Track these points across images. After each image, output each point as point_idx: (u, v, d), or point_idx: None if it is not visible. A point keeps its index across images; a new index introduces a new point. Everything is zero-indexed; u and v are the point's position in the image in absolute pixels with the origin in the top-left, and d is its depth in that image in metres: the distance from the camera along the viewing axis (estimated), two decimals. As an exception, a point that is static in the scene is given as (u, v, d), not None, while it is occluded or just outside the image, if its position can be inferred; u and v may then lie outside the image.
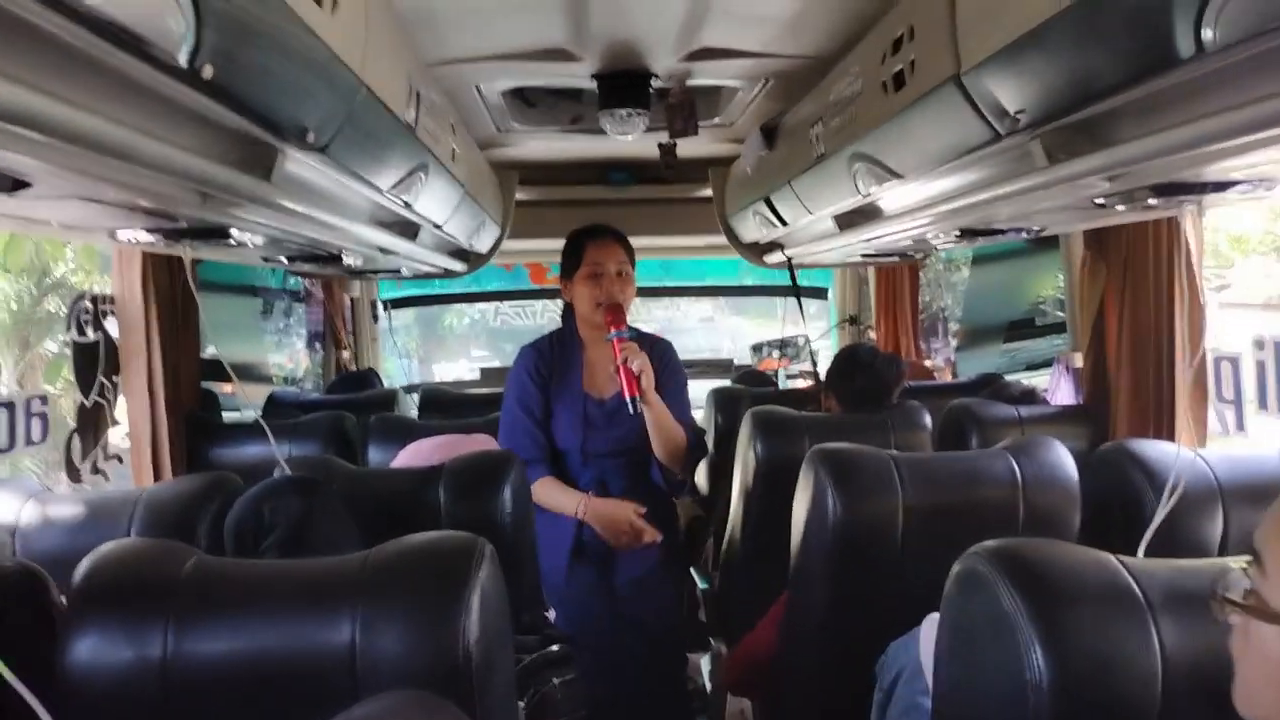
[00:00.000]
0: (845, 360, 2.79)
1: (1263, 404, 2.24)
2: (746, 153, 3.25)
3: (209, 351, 2.98)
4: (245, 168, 1.44)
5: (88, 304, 2.56)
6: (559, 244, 2.71)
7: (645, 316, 8.70)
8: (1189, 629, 1.05)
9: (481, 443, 2.30)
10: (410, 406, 4.14)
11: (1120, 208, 1.76)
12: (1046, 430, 2.47)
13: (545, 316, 7.50)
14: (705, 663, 3.30)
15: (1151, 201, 1.64)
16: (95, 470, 2.53)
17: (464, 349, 10.16)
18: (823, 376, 2.85)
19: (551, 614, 2.17)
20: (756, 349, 5.72)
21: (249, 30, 1.12)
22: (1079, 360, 2.95)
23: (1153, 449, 1.95)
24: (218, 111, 1.25)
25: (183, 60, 1.02)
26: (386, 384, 4.95)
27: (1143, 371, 2.58)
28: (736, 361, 5.72)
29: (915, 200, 2.19)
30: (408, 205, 2.32)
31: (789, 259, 3.89)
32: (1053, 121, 1.39)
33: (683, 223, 4.48)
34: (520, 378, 2.62)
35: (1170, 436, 2.48)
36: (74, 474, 2.48)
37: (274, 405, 3.65)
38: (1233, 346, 2.33)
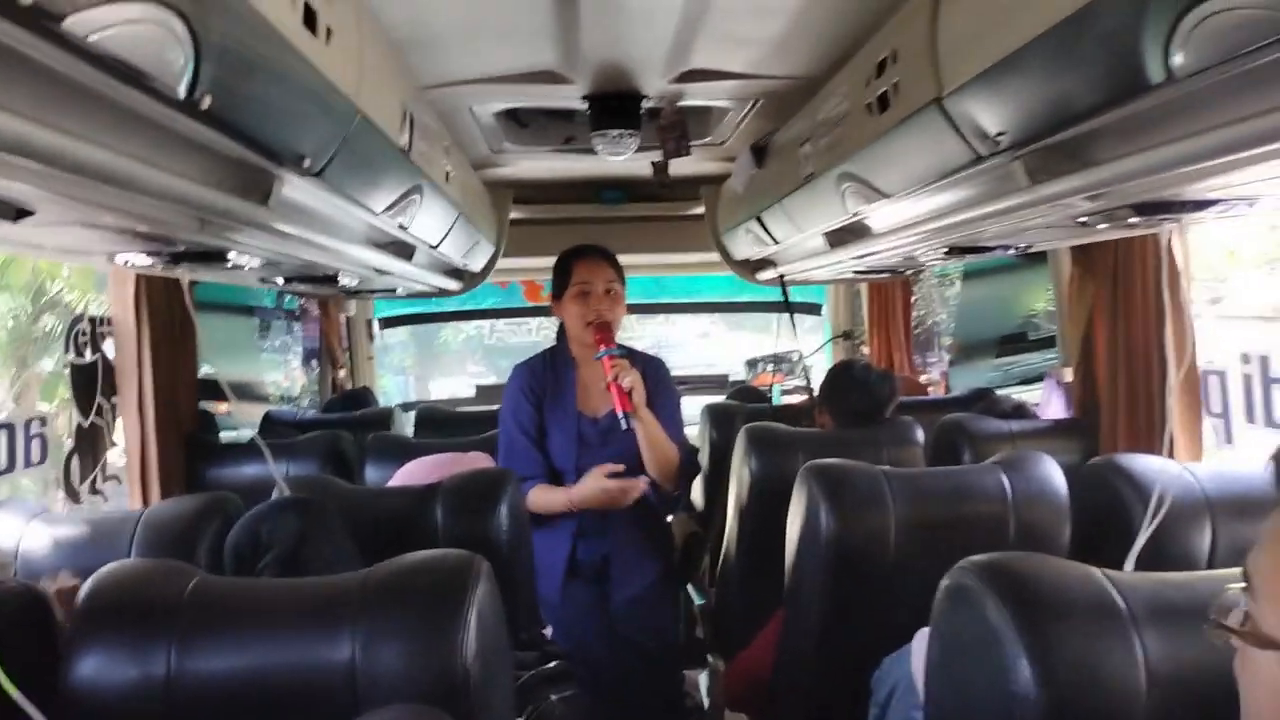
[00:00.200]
0: (838, 376, 2.80)
1: (1250, 417, 2.27)
2: (738, 171, 3.28)
3: (204, 371, 2.99)
4: (243, 193, 1.47)
5: (85, 326, 2.58)
6: (553, 262, 2.73)
7: (640, 332, 8.74)
8: (1173, 642, 1.07)
9: (477, 461, 2.32)
10: (406, 425, 4.16)
11: (1103, 226, 1.78)
12: (1038, 445, 2.49)
13: (541, 333, 7.53)
14: (703, 679, 3.31)
15: (1133, 220, 1.67)
16: (94, 491, 2.54)
17: (460, 365, 10.18)
18: (817, 392, 2.86)
19: (549, 631, 2.18)
20: (751, 364, 5.75)
21: (247, 61, 1.15)
22: (1069, 375, 2.97)
23: (1140, 463, 1.97)
24: (216, 140, 1.28)
25: (182, 91, 1.05)
26: (382, 401, 4.96)
27: (1132, 386, 2.60)
28: (731, 377, 5.74)
29: (903, 219, 2.22)
30: (403, 227, 2.34)
31: (781, 276, 3.92)
32: (1033, 143, 1.42)
33: (676, 240, 4.50)
34: (515, 397, 2.63)
35: (1159, 450, 2.50)
36: (73, 495, 2.49)
37: (270, 425, 3.66)
38: (1227, 360, 2.36)
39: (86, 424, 2.55)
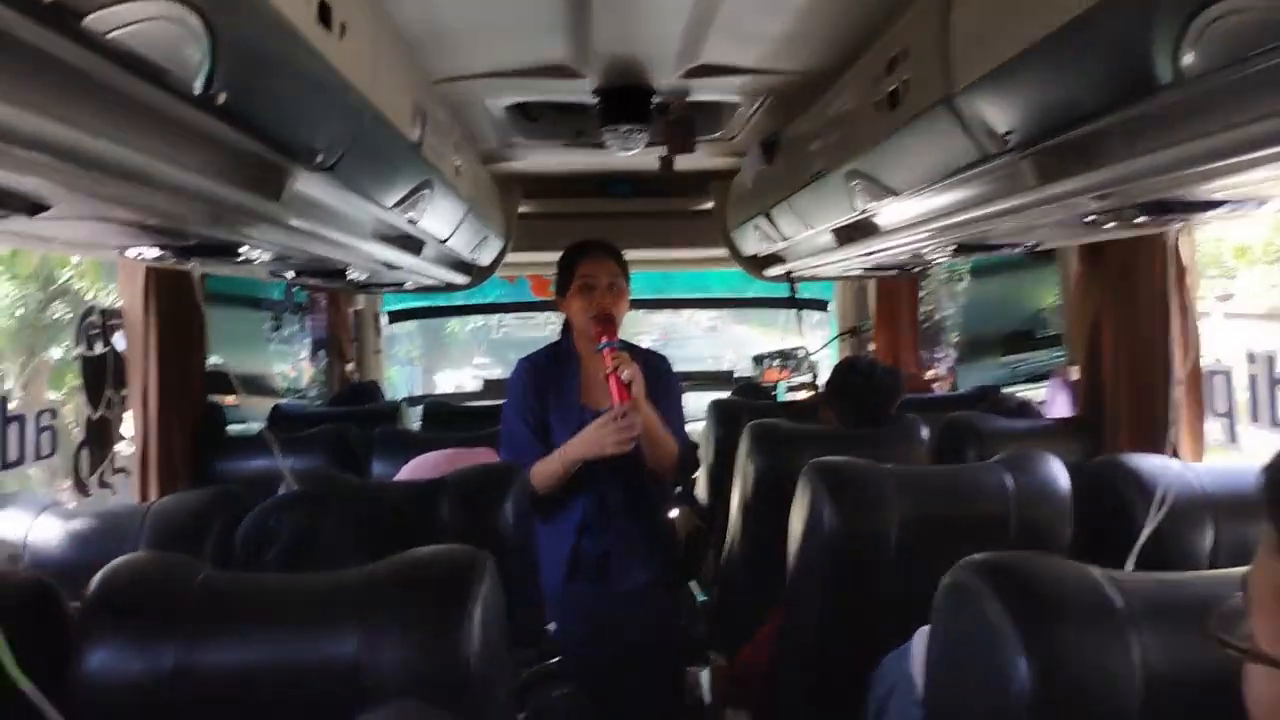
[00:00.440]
0: (843, 374, 2.80)
1: (1255, 417, 2.27)
2: (747, 167, 3.28)
3: (212, 363, 3.01)
4: (255, 188, 1.48)
5: (95, 318, 2.59)
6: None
7: (646, 325, 8.75)
8: (1171, 642, 1.07)
9: (484, 456, 2.32)
10: (413, 419, 4.17)
11: (1110, 225, 1.79)
12: (1042, 443, 2.49)
13: (548, 328, 7.54)
14: (705, 676, 3.32)
15: (1140, 219, 1.67)
16: (103, 484, 2.55)
17: (466, 357, 10.20)
18: (822, 389, 2.87)
19: (552, 627, 2.19)
20: (758, 360, 5.75)
21: (262, 57, 1.16)
22: (1076, 373, 2.97)
23: (1143, 462, 1.97)
24: (230, 135, 1.29)
25: (198, 87, 1.06)
26: (389, 393, 4.97)
27: (1137, 385, 2.60)
28: (738, 373, 5.74)
29: (911, 216, 2.22)
30: (413, 222, 2.35)
31: (789, 272, 3.92)
32: (1041, 142, 1.43)
33: (684, 235, 4.50)
34: (517, 389, 2.64)
35: (1164, 450, 2.50)
36: (81, 487, 2.50)
37: (278, 418, 3.67)
38: (1235, 358, 2.36)
39: (96, 416, 2.57)
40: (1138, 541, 1.48)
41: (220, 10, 0.99)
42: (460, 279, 3.96)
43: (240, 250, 1.89)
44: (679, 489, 3.23)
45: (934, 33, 1.58)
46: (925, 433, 2.63)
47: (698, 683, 3.42)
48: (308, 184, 1.63)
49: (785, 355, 5.40)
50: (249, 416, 3.46)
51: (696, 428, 3.05)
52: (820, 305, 5.47)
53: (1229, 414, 2.29)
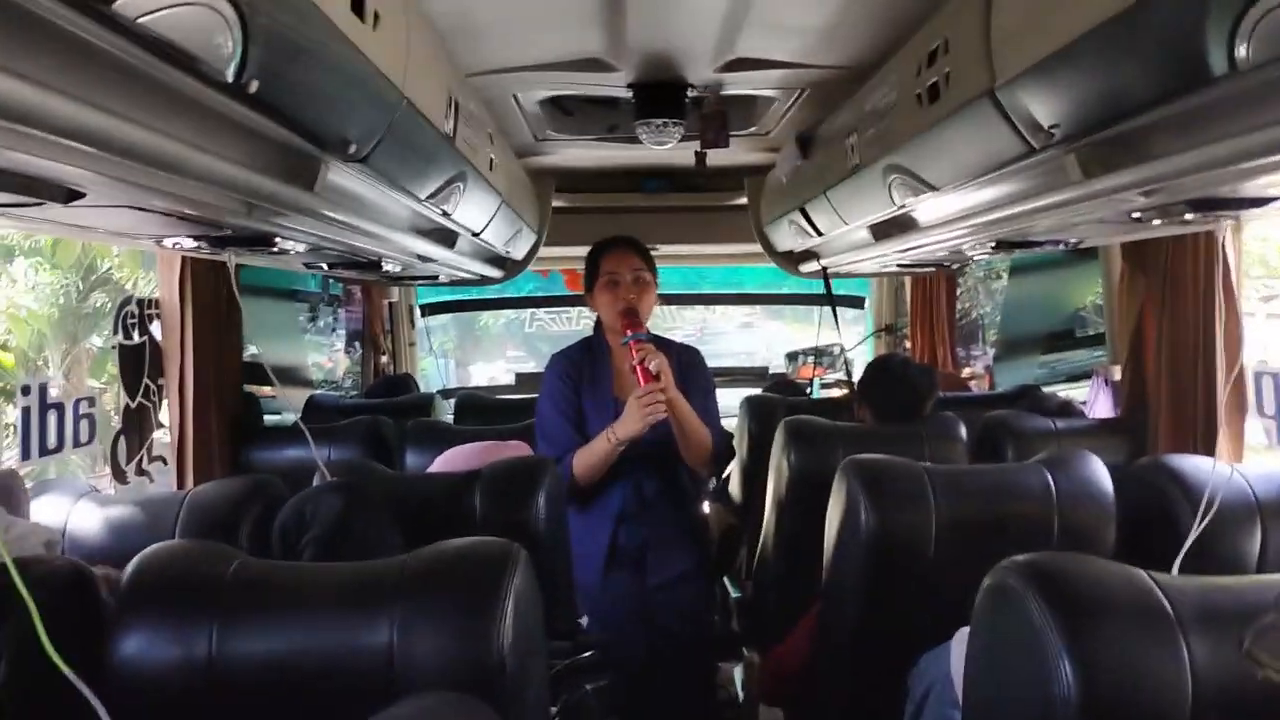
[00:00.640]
0: (877, 370, 2.78)
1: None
2: (782, 162, 3.26)
3: (249, 353, 3.03)
4: (289, 179, 1.48)
5: (134, 308, 2.62)
6: (594, 251, 2.74)
7: (679, 319, 8.73)
8: (1220, 648, 1.04)
9: (517, 449, 2.33)
10: (446, 411, 4.18)
11: (1157, 222, 1.75)
12: (1083, 444, 2.45)
13: (581, 323, 7.54)
14: (738, 672, 3.30)
15: (1188, 216, 1.63)
16: (140, 472, 2.58)
17: (499, 350, 10.23)
18: (857, 386, 2.84)
19: (584, 620, 2.19)
20: (791, 357, 5.71)
21: (295, 46, 1.16)
22: (1118, 373, 2.92)
23: (1189, 464, 1.93)
24: (263, 124, 1.29)
25: (230, 75, 1.06)
26: (423, 386, 5.00)
27: (1181, 385, 2.55)
28: (771, 369, 5.71)
29: (951, 212, 2.19)
30: (446, 214, 2.35)
31: (824, 268, 3.88)
32: (1087, 136, 1.39)
33: (718, 231, 4.48)
34: (553, 381, 2.66)
35: (1209, 451, 2.45)
36: (119, 475, 2.53)
37: (313, 409, 3.70)
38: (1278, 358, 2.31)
39: (134, 405, 2.59)
40: (1184, 545, 1.45)
41: (253, -4, 0.99)
42: (494, 272, 3.96)
43: (275, 241, 1.89)
44: (713, 484, 3.22)
45: (976, 25, 1.55)
46: (964, 431, 2.60)
47: (730, 679, 3.41)
48: (341, 175, 1.63)
49: (820, 352, 5.37)
50: (284, 407, 3.48)
51: (730, 424, 3.02)
52: (856, 302, 5.43)
53: (1278, 415, 2.23)
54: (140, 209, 1.53)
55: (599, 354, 2.70)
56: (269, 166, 1.41)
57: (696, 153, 3.17)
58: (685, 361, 2.65)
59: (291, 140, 1.40)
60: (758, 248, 4.15)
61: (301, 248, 2.08)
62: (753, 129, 3.21)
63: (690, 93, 2.70)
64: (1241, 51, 0.97)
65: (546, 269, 5.99)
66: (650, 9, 2.07)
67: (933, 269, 3.79)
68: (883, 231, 2.73)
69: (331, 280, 4.55)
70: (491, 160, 2.58)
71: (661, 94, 2.68)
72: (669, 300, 6.48)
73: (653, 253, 2.70)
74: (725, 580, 3.33)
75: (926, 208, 2.27)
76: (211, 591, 1.22)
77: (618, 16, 2.10)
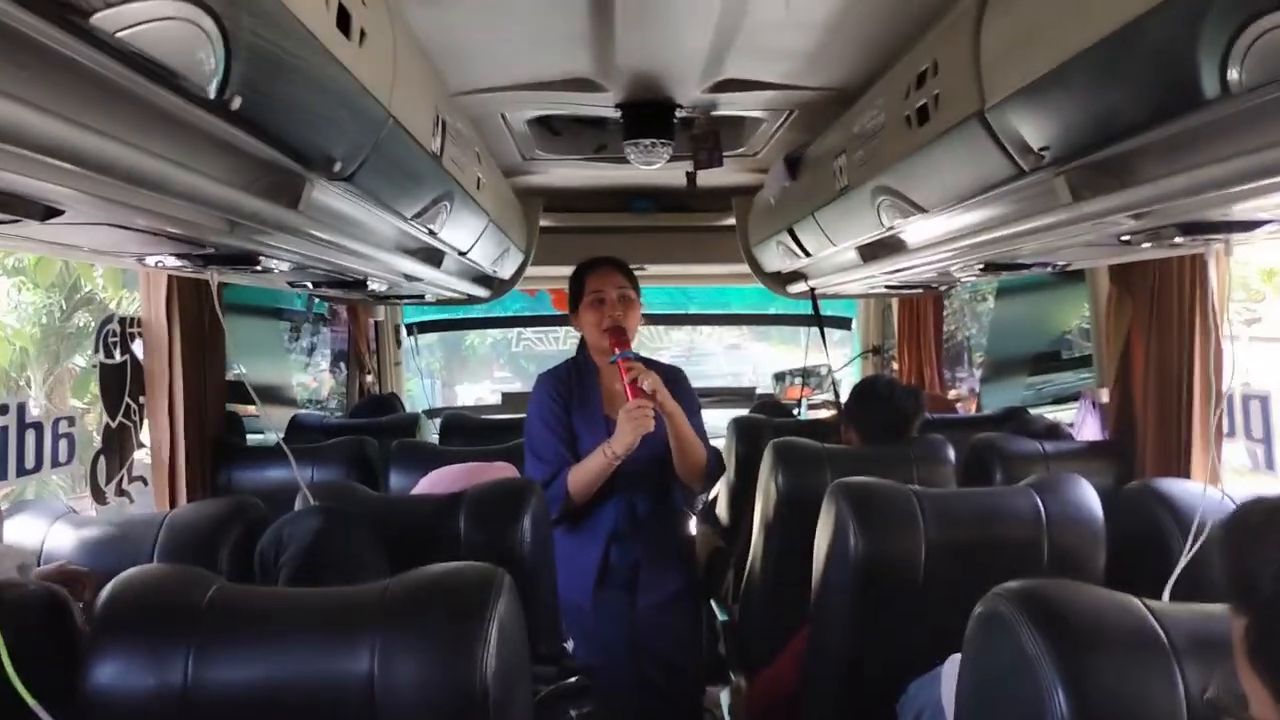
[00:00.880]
0: (863, 392, 2.78)
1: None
2: (770, 183, 3.25)
3: (233, 373, 3.00)
4: (272, 197, 1.46)
5: (115, 326, 2.59)
6: (582, 271, 2.73)
7: (667, 341, 8.73)
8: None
9: (502, 470, 2.30)
10: (432, 431, 4.15)
11: (1146, 245, 1.74)
12: (1072, 466, 2.44)
13: (568, 342, 7.53)
14: (725, 696, 3.27)
15: (1178, 240, 1.63)
16: (120, 492, 2.55)
17: (486, 369, 10.21)
18: (843, 407, 2.83)
19: (570, 644, 2.16)
20: (779, 377, 5.70)
21: (278, 63, 1.14)
22: (1105, 395, 2.92)
23: (1179, 488, 1.92)
24: (246, 142, 1.27)
25: (212, 92, 1.04)
26: (409, 405, 4.96)
27: (1169, 408, 2.55)
28: (759, 390, 5.70)
29: (939, 234, 2.18)
30: (433, 233, 2.34)
31: (812, 289, 3.88)
32: (1077, 159, 1.39)
33: (705, 251, 4.48)
34: (543, 399, 2.64)
35: (1188, 474, 2.44)
36: (99, 495, 2.49)
37: (297, 429, 3.67)
38: (1262, 382, 2.31)
39: (114, 424, 2.56)
40: (1174, 570, 1.43)
41: (235, 12, 0.97)
42: (481, 292, 3.94)
43: (258, 259, 1.87)
44: (700, 505, 3.20)
45: (965, 47, 1.55)
46: (951, 454, 2.59)
47: (717, 703, 3.37)
48: (325, 193, 1.62)
49: (807, 373, 5.36)
50: (267, 427, 3.45)
51: (717, 445, 3.01)
52: (843, 323, 5.42)
53: (1265, 438, 2.23)
54: (121, 227, 1.51)
55: (587, 373, 2.69)
56: (252, 184, 1.39)
57: (688, 173, 3.17)
58: (670, 381, 2.62)
59: (275, 158, 1.38)
60: (745, 268, 4.15)
61: (286, 266, 2.06)
62: (741, 150, 3.21)
63: (679, 113, 2.70)
64: (1234, 74, 0.96)
65: (534, 289, 5.98)
66: (639, 30, 2.06)
67: (920, 290, 3.78)
68: (871, 253, 2.73)
69: (316, 299, 4.53)
70: (479, 179, 2.57)
71: (650, 114, 2.67)
72: (656, 320, 6.48)
73: (640, 273, 2.70)
74: (712, 603, 3.30)
75: (915, 229, 2.27)
76: (187, 618, 1.19)
77: (606, 37, 2.10)
